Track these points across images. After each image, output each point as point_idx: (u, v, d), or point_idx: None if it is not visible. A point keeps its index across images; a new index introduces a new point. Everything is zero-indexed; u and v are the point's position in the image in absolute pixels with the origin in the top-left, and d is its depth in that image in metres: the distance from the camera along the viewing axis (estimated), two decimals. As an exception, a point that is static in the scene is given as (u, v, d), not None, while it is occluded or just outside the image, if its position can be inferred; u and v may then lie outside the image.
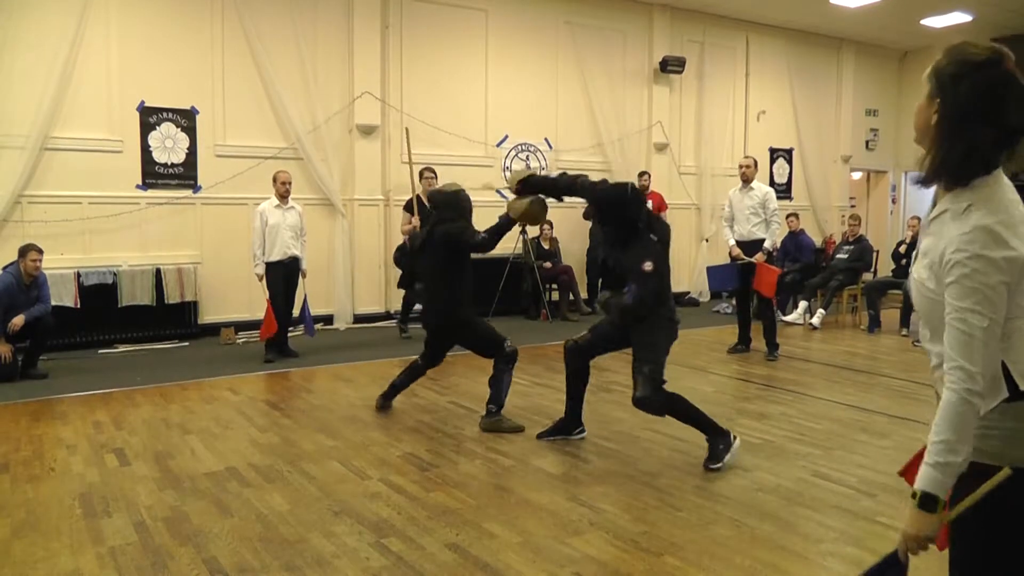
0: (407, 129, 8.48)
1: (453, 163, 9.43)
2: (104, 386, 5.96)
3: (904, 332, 8.53)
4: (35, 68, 7.19)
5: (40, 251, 6.27)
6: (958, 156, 1.58)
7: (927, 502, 1.58)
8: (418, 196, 7.76)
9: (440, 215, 5.02)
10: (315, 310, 8.06)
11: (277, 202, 7.04)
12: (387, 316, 9.17)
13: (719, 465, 4.14)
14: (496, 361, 5.01)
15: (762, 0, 10.77)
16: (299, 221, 7.16)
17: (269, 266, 6.97)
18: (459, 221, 4.93)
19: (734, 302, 10.42)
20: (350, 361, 7.00)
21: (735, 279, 7.32)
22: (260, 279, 7.01)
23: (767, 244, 7.16)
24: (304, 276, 7.29)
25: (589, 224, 9.98)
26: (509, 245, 9.72)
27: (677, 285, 11.25)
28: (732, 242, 7.31)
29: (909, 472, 1.78)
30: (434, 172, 7.97)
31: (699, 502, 3.69)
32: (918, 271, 1.68)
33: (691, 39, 11.31)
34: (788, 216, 9.91)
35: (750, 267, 7.12)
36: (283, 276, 7.02)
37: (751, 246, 7.19)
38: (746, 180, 7.28)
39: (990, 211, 1.55)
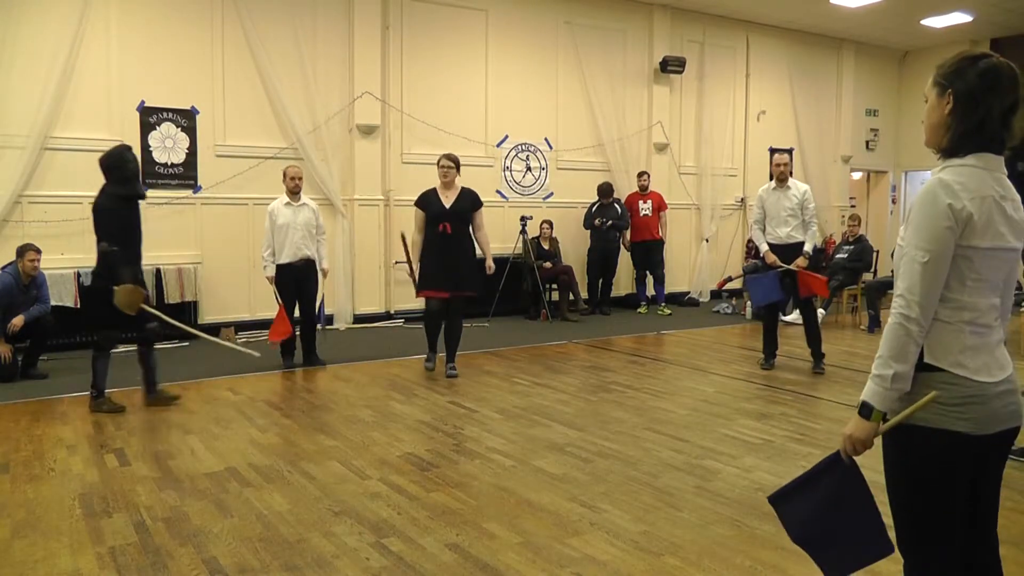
0: (403, 235, 7.43)
1: (453, 163, 9.44)
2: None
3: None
4: (35, 68, 7.19)
5: (38, 251, 6.26)
6: (974, 126, 1.84)
7: (863, 409, 1.88)
8: (434, 190, 6.41)
9: (107, 178, 5.24)
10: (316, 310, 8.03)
11: (287, 200, 6.69)
12: (387, 316, 9.17)
13: None
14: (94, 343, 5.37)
15: (762, 0, 10.76)
16: (313, 218, 6.75)
17: (279, 269, 6.63)
18: (118, 188, 5.18)
19: (733, 301, 10.47)
20: (350, 361, 7.00)
21: (779, 289, 6.59)
22: (271, 282, 6.68)
23: (807, 248, 6.56)
24: (324, 275, 6.98)
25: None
26: (509, 245, 9.74)
27: (677, 285, 11.29)
28: (765, 247, 6.70)
29: None
30: (454, 161, 6.44)
31: (699, 502, 3.69)
32: (901, 228, 1.95)
33: (691, 39, 11.31)
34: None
35: (790, 274, 6.53)
36: (294, 280, 6.66)
37: (789, 250, 6.58)
38: (782, 179, 6.68)
39: (956, 174, 1.83)
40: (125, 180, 5.21)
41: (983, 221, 1.80)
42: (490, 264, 6.50)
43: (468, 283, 6.31)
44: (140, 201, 5.38)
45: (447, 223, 6.24)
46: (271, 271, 6.65)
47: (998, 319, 1.91)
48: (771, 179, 6.83)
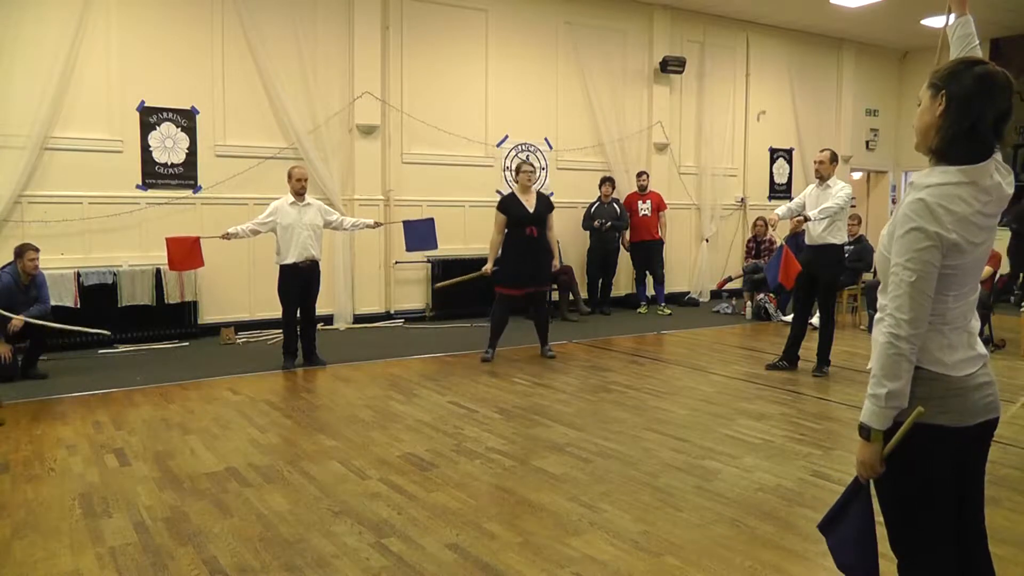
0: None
1: (453, 163, 9.45)
2: (104, 386, 5.96)
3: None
4: (35, 68, 7.18)
5: (37, 250, 6.26)
6: (965, 130, 1.84)
7: (862, 431, 1.91)
8: (513, 195, 7.06)
9: None
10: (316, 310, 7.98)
11: (293, 199, 6.60)
12: (387, 316, 9.17)
13: None
14: None
15: (762, 0, 10.76)
16: (319, 217, 6.67)
17: (284, 269, 6.58)
18: None
19: (735, 301, 10.47)
20: (350, 361, 7.00)
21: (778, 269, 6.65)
22: (224, 236, 6.54)
23: (811, 214, 6.33)
24: (377, 225, 7.38)
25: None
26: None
27: (677, 285, 11.29)
28: (780, 211, 6.62)
29: None
30: (533, 166, 7.15)
31: (699, 502, 3.69)
32: (883, 230, 1.97)
33: (691, 39, 11.30)
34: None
35: (806, 273, 6.51)
36: (298, 282, 6.57)
37: (819, 251, 6.46)
38: (821, 177, 6.44)
39: (941, 195, 1.82)
40: None
41: (967, 243, 1.84)
42: (557, 263, 7.32)
43: (547, 278, 7.21)
44: None
45: (533, 227, 6.86)
46: (232, 230, 6.55)
47: (972, 309, 1.97)
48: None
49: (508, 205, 6.97)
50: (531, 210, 6.86)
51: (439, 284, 8.31)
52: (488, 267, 7.08)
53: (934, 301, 1.86)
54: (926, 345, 1.88)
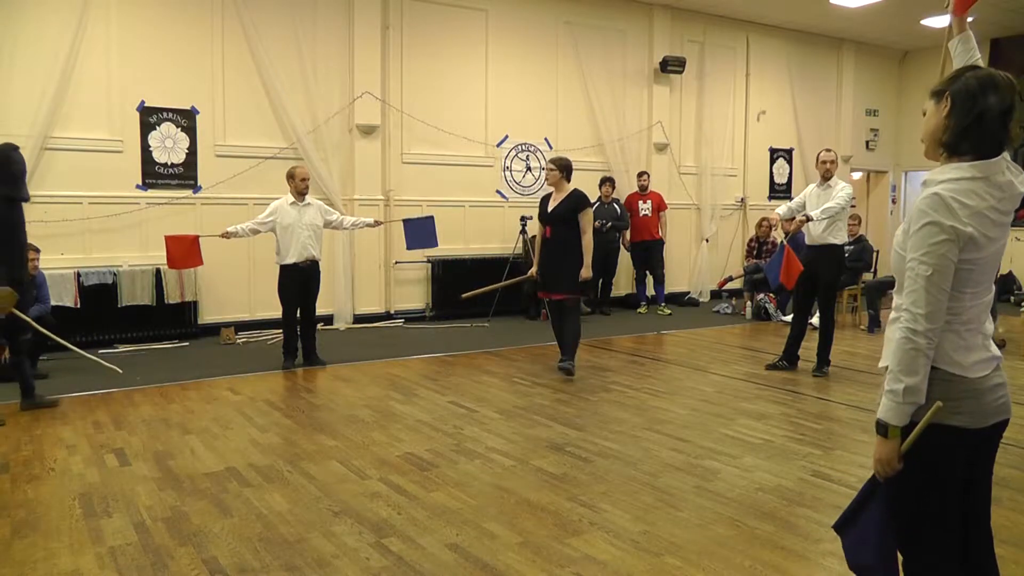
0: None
1: (453, 163, 9.45)
2: (104, 386, 5.96)
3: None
4: (35, 68, 7.19)
5: (36, 250, 6.26)
6: (973, 120, 1.87)
7: (880, 428, 1.92)
8: (551, 193, 6.59)
9: None
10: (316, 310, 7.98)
11: (293, 199, 6.59)
12: (387, 316, 9.17)
13: None
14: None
15: (762, 0, 10.76)
16: (319, 217, 6.67)
17: (284, 269, 6.59)
18: (2, 187, 5.00)
19: (738, 300, 10.47)
20: (350, 361, 7.00)
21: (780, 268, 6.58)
22: (224, 235, 6.55)
23: (813, 214, 6.27)
24: (378, 224, 7.29)
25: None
26: (509, 245, 9.75)
27: (677, 285, 11.30)
28: (781, 211, 6.60)
29: None
30: (556, 163, 6.48)
31: (699, 502, 3.69)
32: (897, 230, 1.98)
33: (691, 39, 11.31)
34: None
35: (806, 273, 6.47)
36: (299, 281, 6.58)
37: (820, 251, 6.47)
38: (826, 177, 6.43)
39: (955, 189, 1.84)
40: (11, 179, 5.06)
41: (983, 237, 1.85)
42: (583, 273, 6.33)
43: (562, 285, 6.33)
44: (24, 203, 5.22)
45: (548, 226, 6.42)
46: (231, 228, 6.56)
47: (987, 311, 1.98)
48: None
49: (540, 204, 6.64)
50: (549, 209, 6.42)
51: (482, 289, 7.36)
52: (533, 269, 6.70)
53: (951, 299, 1.86)
54: (942, 345, 1.89)
